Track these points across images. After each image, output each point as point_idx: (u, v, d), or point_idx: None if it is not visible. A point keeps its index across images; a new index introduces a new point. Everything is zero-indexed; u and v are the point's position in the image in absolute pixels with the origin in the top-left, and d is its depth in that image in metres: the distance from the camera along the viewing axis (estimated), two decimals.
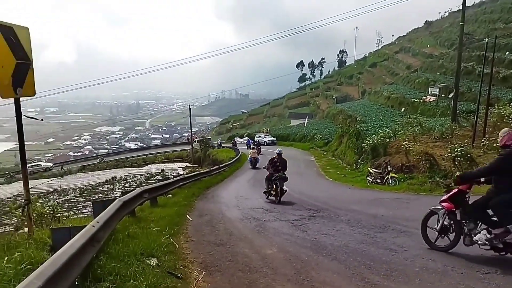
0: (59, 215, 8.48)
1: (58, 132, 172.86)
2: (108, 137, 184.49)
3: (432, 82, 44.95)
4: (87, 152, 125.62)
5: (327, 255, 6.14)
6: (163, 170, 40.01)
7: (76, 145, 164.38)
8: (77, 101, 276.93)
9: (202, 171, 23.30)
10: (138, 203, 8.98)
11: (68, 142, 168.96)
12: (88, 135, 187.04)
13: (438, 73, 48.73)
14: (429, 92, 42.51)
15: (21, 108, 5.62)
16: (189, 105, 58.05)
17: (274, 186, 13.00)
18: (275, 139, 51.93)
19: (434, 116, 32.28)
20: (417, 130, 23.23)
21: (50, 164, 62.00)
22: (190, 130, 56.90)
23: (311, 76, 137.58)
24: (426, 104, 37.91)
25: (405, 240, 6.85)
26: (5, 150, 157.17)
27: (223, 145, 52.05)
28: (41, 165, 60.94)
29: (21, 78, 5.30)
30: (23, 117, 5.59)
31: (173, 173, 36.46)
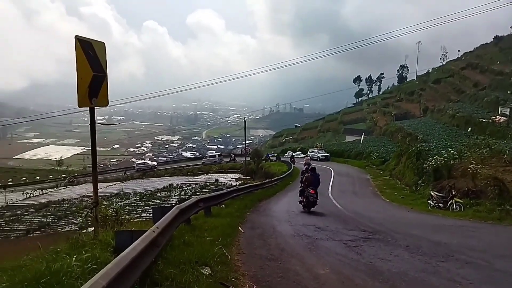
0: (122, 217, 8.98)
1: (123, 139, 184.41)
2: (167, 146, 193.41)
3: (502, 101, 41.70)
4: (147, 160, 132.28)
5: (383, 281, 5.83)
6: (217, 180, 40.92)
7: (139, 152, 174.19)
8: (141, 111, 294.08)
9: (254, 184, 23.47)
10: (193, 211, 9.26)
11: (132, 149, 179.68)
12: (149, 143, 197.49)
13: (509, 92, 45.05)
14: (499, 112, 39.39)
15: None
16: (244, 118, 59.21)
17: (305, 198, 14.35)
18: (328, 155, 50.96)
19: (504, 138, 29.72)
20: (486, 152, 21.53)
21: (155, 163, 66.17)
22: (244, 142, 57.91)
23: (368, 92, 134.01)
24: (496, 125, 35.11)
25: (471, 272, 6.30)
26: (75, 154, 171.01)
27: (273, 158, 52.20)
28: (148, 163, 65.40)
29: (96, 89, 5.77)
30: (97, 124, 6.03)
31: (226, 183, 37.15)
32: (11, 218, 31.87)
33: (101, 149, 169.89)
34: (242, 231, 9.48)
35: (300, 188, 15.19)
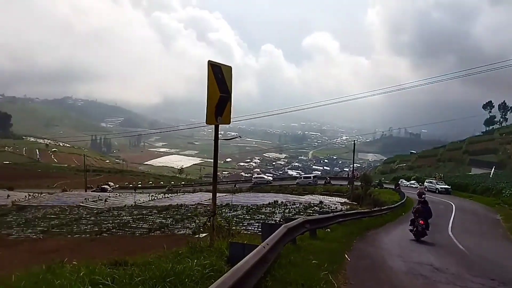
0: (233, 228, 9.47)
1: (235, 154, 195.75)
2: (274, 163, 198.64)
3: None
4: (255, 175, 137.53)
5: None
6: (321, 202, 40.18)
7: (248, 167, 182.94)
8: (253, 128, 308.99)
9: (362, 210, 22.40)
10: (300, 232, 9.25)
11: (242, 163, 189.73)
12: (258, 159, 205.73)
13: None
14: None
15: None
16: (354, 140, 57.31)
17: (415, 228, 14.85)
18: (449, 187, 45.74)
19: None
20: None
21: (270, 178, 67.91)
22: (352, 166, 55.99)
23: (501, 120, 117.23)
24: None
25: None
26: (194, 164, 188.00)
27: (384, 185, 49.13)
28: (263, 177, 68.11)
29: (221, 109, 6.32)
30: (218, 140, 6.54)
31: (331, 206, 36.18)
32: (137, 217, 36.25)
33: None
34: (349, 259, 9.08)
35: (412, 218, 15.74)
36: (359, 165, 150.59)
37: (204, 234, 26.43)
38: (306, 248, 8.73)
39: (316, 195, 49.69)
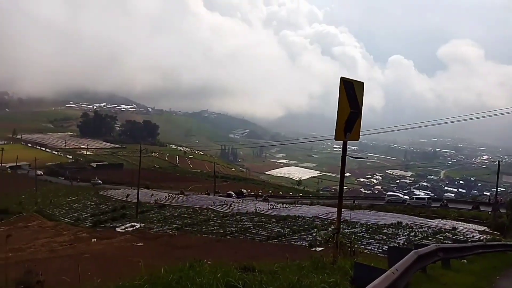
0: (355, 247, 9.18)
1: (355, 168, 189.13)
2: (398, 181, 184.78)
3: None
4: (376, 192, 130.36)
5: None
6: (454, 229, 35.69)
7: (368, 183, 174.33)
8: (375, 143, 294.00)
9: (508, 243, 19.11)
10: (431, 260, 8.42)
11: (361, 179, 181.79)
12: (379, 175, 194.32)
13: None
14: None
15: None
16: (498, 161, 49.42)
17: None
18: None
19: None
20: None
21: (407, 197, 61.81)
22: (495, 190, 48.30)
23: None
24: None
25: None
26: (311, 177, 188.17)
27: None
28: (399, 196, 62.68)
29: (351, 125, 6.27)
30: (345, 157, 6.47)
31: (466, 234, 31.88)
32: (257, 224, 38.00)
33: (333, 175, 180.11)
34: None
35: None
36: (503, 189, 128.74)
37: (320, 248, 26.20)
38: (438, 279, 7.90)
39: (448, 220, 44.39)
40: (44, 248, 27.86)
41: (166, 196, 55.36)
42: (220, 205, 48.83)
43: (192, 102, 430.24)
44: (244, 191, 68.06)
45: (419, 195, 64.75)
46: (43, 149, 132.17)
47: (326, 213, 42.53)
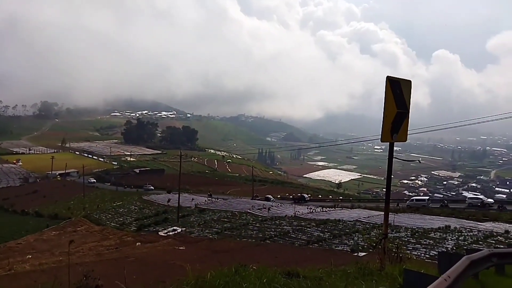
0: (402, 253, 8.77)
1: (398, 170, 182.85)
2: (445, 182, 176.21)
3: None
4: (421, 194, 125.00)
5: None
6: (507, 232, 33.34)
7: (412, 185, 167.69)
8: (419, 143, 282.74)
9: None
10: (484, 266, 7.85)
11: (405, 181, 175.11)
12: (425, 177, 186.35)
13: None
14: None
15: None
16: None
17: None
18: None
19: None
20: None
21: (491, 200, 56.68)
22: None
23: None
24: None
25: None
26: (351, 179, 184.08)
27: None
28: (481, 198, 57.53)
29: (397, 126, 6.00)
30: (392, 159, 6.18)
31: None
32: (296, 228, 37.59)
33: (375, 177, 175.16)
34: None
35: None
36: None
37: (363, 254, 25.39)
38: (491, 286, 7.35)
39: (500, 223, 41.62)
40: (91, 251, 29.16)
41: (205, 200, 56.26)
42: (258, 209, 48.86)
43: (229, 107, 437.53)
44: (306, 195, 66.10)
45: (474, 197, 60.89)
46: (90, 156, 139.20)
47: (368, 217, 41.30)
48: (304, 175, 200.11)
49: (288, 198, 67.65)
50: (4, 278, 22.39)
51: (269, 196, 64.12)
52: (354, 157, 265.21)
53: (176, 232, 37.49)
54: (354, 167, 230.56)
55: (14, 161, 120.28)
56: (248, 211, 46.99)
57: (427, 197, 64.97)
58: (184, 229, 38.84)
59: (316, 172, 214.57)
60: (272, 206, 51.90)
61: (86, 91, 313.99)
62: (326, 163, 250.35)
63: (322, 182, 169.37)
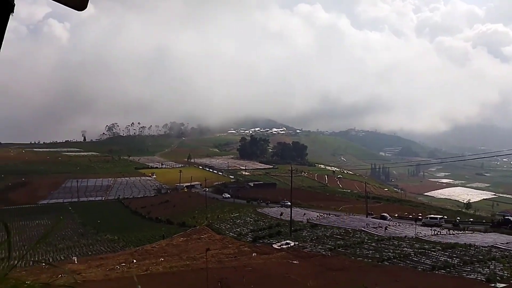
0: None
1: None
2: None
3: None
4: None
5: None
6: None
7: None
8: None
9: None
10: None
11: None
12: None
13: None
14: None
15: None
16: None
17: None
18: None
19: None
20: None
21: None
22: None
23: None
24: None
25: None
26: (483, 199, 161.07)
27: None
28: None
29: None
30: None
31: None
32: (419, 251, 34.51)
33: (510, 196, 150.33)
34: None
35: None
36: None
37: (502, 285, 21.99)
38: None
39: None
40: (213, 258, 31.56)
41: (317, 216, 55.86)
42: (374, 227, 46.44)
43: (340, 122, 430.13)
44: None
45: None
46: (211, 170, 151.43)
47: (507, 243, 35.70)
48: (425, 193, 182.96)
49: (406, 218, 62.65)
50: (143, 277, 25.83)
51: (385, 214, 60.35)
52: (486, 174, 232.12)
53: (289, 245, 38.03)
54: (486, 185, 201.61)
55: (150, 174, 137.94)
56: (363, 229, 45.05)
57: (440, 216, 58.56)
58: (297, 243, 39.15)
59: (439, 190, 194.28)
60: (389, 225, 48.79)
61: (210, 111, 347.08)
62: (451, 180, 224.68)
63: (447, 201, 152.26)
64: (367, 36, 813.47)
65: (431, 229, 45.47)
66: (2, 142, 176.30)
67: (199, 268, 25.47)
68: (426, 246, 35.62)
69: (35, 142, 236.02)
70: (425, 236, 41.15)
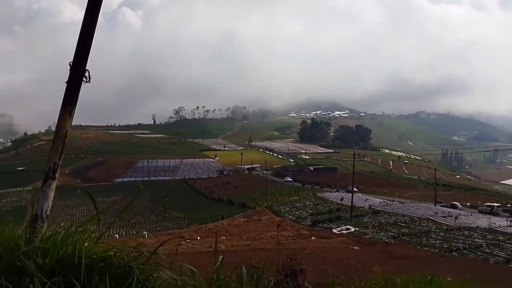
0: None
1: None
2: None
3: None
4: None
5: None
6: None
7: None
8: None
9: None
10: None
11: None
12: None
13: None
14: None
15: None
16: None
17: None
18: None
19: None
20: None
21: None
22: None
23: None
24: None
25: None
26: None
27: None
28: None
29: None
30: None
31: None
32: (492, 242, 32.21)
33: None
34: None
35: None
36: None
37: None
38: None
39: None
40: (272, 240, 32.25)
41: (380, 202, 54.18)
42: (443, 216, 44.02)
43: (409, 104, 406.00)
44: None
45: None
46: (271, 153, 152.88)
47: None
48: (502, 182, 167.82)
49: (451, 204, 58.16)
50: (206, 253, 27.31)
51: (455, 203, 56.60)
52: None
53: (349, 231, 37.57)
54: None
55: (213, 156, 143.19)
56: (430, 217, 42.93)
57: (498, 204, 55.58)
58: (358, 229, 38.52)
59: None
60: (460, 214, 45.93)
61: (272, 95, 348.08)
62: None
63: None
64: (443, 11, 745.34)
65: (506, 220, 41.97)
66: (82, 125, 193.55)
67: (259, 248, 26.23)
68: (501, 238, 33.18)
69: (111, 125, 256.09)
70: (499, 227, 38.27)
